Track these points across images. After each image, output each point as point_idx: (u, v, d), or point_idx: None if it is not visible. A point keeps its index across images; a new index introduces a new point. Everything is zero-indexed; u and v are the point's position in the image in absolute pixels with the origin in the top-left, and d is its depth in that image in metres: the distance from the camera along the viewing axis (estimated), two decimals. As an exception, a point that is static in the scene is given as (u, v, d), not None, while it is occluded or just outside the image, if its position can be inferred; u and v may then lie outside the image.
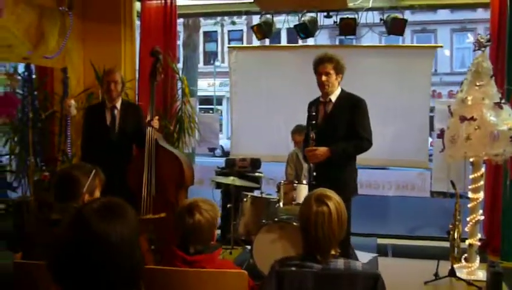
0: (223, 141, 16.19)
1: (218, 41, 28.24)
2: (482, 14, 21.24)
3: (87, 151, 5.14)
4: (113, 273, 1.46)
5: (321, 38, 6.80)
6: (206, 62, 27.01)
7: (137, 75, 6.85)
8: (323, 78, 4.45)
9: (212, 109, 23.96)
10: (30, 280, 2.54)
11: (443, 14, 21.68)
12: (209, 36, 27.07)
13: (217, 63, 27.13)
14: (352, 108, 4.45)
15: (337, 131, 4.42)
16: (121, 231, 1.48)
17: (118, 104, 5.14)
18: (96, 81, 6.45)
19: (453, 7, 9.47)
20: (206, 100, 26.07)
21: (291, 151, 6.16)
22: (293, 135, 6.07)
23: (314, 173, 4.40)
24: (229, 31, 27.60)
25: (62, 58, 6.11)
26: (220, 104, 26.99)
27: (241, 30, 26.62)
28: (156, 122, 4.96)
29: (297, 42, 11.20)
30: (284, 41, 20.64)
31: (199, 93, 18.19)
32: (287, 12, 6.79)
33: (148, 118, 4.95)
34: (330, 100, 4.51)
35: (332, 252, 2.41)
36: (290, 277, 2.37)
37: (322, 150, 4.33)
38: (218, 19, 21.11)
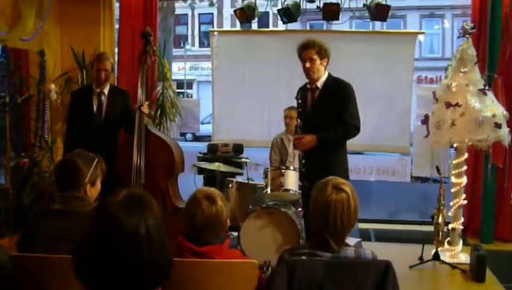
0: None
1: (189, 24, 27.92)
2: (449, 1, 21.67)
3: (72, 138, 4.99)
4: (145, 267, 1.42)
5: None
6: (177, 45, 26.69)
7: (116, 59, 6.70)
8: (307, 64, 4.42)
9: (183, 93, 23.73)
10: (29, 273, 2.46)
11: (412, 0, 21.93)
12: (180, 19, 26.71)
13: (187, 47, 26.84)
14: (340, 94, 4.43)
15: (325, 118, 4.40)
16: (150, 223, 1.44)
17: (106, 90, 5.03)
18: (75, 65, 6.29)
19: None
20: (176, 84, 25.75)
21: (275, 136, 6.13)
22: (290, 111, 5.86)
23: (303, 161, 4.40)
24: (199, 14, 27.31)
25: (39, 40, 5.96)
26: (191, 88, 26.76)
27: (212, 13, 26.37)
28: (146, 108, 4.86)
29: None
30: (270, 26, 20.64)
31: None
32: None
33: (139, 104, 4.85)
34: (317, 87, 4.49)
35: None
36: (301, 266, 2.34)
37: (309, 137, 4.32)
38: (189, 1, 20.84)
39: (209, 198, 2.49)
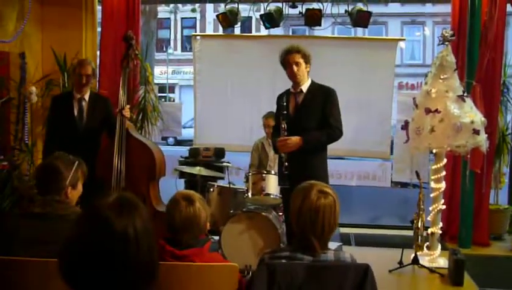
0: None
1: (171, 28, 27.86)
2: (430, 8, 21.90)
3: (52, 142, 4.96)
4: (132, 269, 1.43)
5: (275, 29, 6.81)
6: (159, 49, 26.62)
7: (98, 62, 6.67)
8: (295, 68, 4.45)
9: (165, 97, 23.65)
10: (6, 276, 2.44)
11: (394, 7, 22.10)
12: (162, 23, 26.64)
13: (169, 51, 26.78)
14: (324, 98, 4.47)
15: (308, 121, 4.43)
16: (138, 225, 1.45)
17: (87, 96, 5.02)
18: (57, 67, 6.25)
19: (417, 1, 9.65)
20: (158, 88, 25.65)
21: (256, 141, 6.15)
22: (267, 119, 5.89)
23: (286, 163, 4.41)
24: (182, 18, 27.27)
25: (20, 42, 5.91)
26: (173, 92, 26.69)
27: (195, 18, 26.34)
28: (127, 111, 4.85)
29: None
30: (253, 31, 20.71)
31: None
32: (253, 1, 6.74)
33: (120, 107, 4.84)
34: (301, 91, 4.52)
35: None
36: (281, 269, 2.36)
37: (294, 139, 4.33)
38: (172, 5, 20.82)
39: (187, 199, 2.51)
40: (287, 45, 4.58)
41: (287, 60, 4.50)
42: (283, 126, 4.41)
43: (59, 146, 4.59)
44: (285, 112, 4.46)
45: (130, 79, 6.51)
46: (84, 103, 5.00)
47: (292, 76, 4.51)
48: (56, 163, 2.72)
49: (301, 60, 4.46)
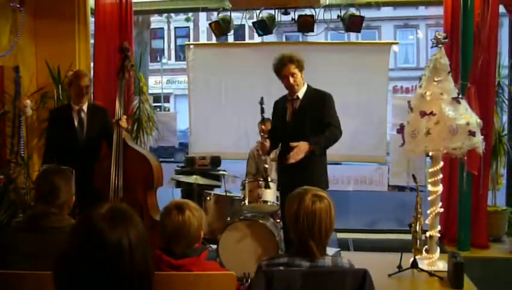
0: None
1: (165, 38, 27.89)
2: (423, 11, 22.01)
3: (51, 154, 4.97)
4: (128, 280, 1.42)
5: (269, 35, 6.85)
6: (153, 59, 26.62)
7: (91, 73, 6.66)
8: (291, 80, 4.45)
9: (160, 106, 23.65)
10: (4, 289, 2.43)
11: (386, 11, 22.19)
12: (156, 33, 26.66)
13: (163, 60, 26.79)
14: (320, 102, 4.48)
15: (306, 127, 4.43)
16: (132, 237, 1.44)
17: (85, 107, 5.04)
18: (51, 80, 6.25)
19: (409, 4, 9.69)
20: (153, 98, 25.64)
21: (252, 148, 6.14)
22: (263, 124, 5.87)
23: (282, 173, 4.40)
24: (175, 28, 27.30)
25: (14, 56, 5.90)
26: (168, 101, 26.69)
27: (188, 27, 26.37)
28: (124, 122, 4.86)
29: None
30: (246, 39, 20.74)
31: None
32: (245, 9, 6.75)
33: (116, 118, 4.85)
34: (297, 97, 4.52)
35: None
36: (279, 276, 2.35)
37: (302, 145, 4.26)
38: (165, 15, 20.83)
39: (178, 208, 2.51)
40: (279, 55, 4.57)
41: (282, 73, 4.49)
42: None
43: (59, 158, 4.76)
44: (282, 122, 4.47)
45: (125, 90, 6.54)
46: (83, 114, 5.02)
47: (289, 87, 4.51)
48: (56, 178, 2.74)
49: (296, 70, 4.46)
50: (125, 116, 4.92)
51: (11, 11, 5.77)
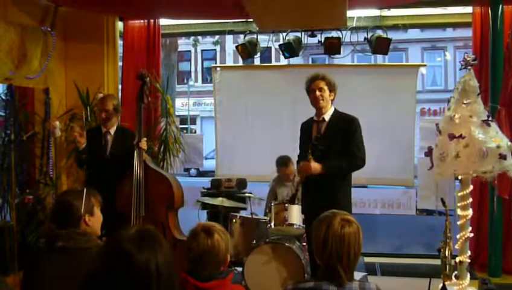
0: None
1: (192, 60, 28.21)
2: (451, 33, 21.88)
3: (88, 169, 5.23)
4: None
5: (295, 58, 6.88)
6: (180, 81, 26.93)
7: (119, 95, 6.75)
8: (317, 93, 4.47)
9: (186, 128, 23.86)
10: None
11: (413, 33, 22.14)
12: (183, 56, 27.01)
13: (190, 83, 27.07)
14: (346, 127, 4.46)
15: (329, 150, 4.40)
16: (160, 260, 1.43)
17: (113, 130, 5.19)
18: (80, 102, 6.35)
19: (437, 26, 9.63)
20: (180, 120, 25.88)
21: (271, 182, 6.17)
22: (280, 168, 6.03)
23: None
24: (202, 51, 27.61)
25: (44, 78, 5.99)
26: (194, 123, 26.90)
27: (215, 50, 26.65)
28: (143, 144, 4.94)
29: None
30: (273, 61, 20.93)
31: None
32: (272, 32, 6.79)
33: (136, 140, 4.94)
34: (323, 119, 4.50)
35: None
36: (306, 301, 2.31)
37: (315, 165, 4.32)
38: (192, 38, 21.10)
39: (206, 231, 2.48)
40: (313, 73, 4.61)
41: (311, 87, 4.52)
42: (309, 157, 4.37)
43: (90, 174, 5.04)
44: (315, 143, 4.45)
45: (151, 111, 6.62)
46: (109, 137, 5.17)
47: (315, 101, 4.51)
48: (66, 198, 2.77)
49: (325, 87, 4.48)
50: (145, 139, 5.00)
51: (42, 35, 5.89)
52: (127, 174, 4.96)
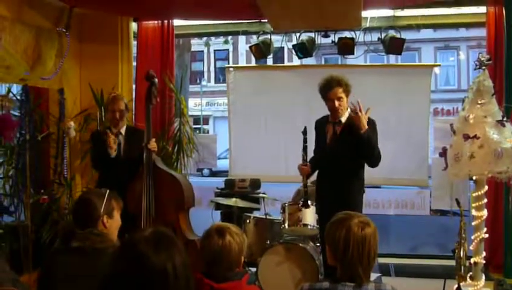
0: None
1: (204, 60, 28.26)
2: (464, 33, 21.72)
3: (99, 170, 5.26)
4: None
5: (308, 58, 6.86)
6: (193, 82, 27.01)
7: (133, 96, 6.78)
8: (337, 103, 4.45)
9: (199, 128, 23.92)
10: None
11: (426, 33, 22.02)
12: (195, 56, 27.07)
13: (203, 83, 27.12)
14: None
15: (345, 152, 4.41)
16: (177, 262, 1.44)
17: (123, 130, 5.19)
18: (94, 102, 6.38)
19: (451, 26, 9.56)
20: (193, 120, 25.95)
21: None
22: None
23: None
24: (215, 51, 27.66)
25: (59, 79, 6.03)
26: (207, 123, 26.95)
27: (227, 50, 26.69)
28: (153, 145, 4.96)
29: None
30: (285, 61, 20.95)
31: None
32: (285, 32, 6.79)
33: (145, 141, 4.95)
34: (340, 121, 4.50)
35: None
36: (322, 302, 2.31)
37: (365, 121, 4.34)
38: (204, 38, 21.14)
39: (219, 232, 2.50)
40: (327, 76, 4.56)
41: (328, 95, 4.48)
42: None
43: (103, 178, 5.04)
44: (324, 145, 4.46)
45: (165, 112, 6.63)
46: (120, 137, 5.15)
47: (334, 111, 4.50)
48: (88, 196, 2.83)
49: (343, 95, 4.46)
50: (153, 140, 5.01)
51: (57, 36, 5.93)
52: (137, 175, 4.99)
